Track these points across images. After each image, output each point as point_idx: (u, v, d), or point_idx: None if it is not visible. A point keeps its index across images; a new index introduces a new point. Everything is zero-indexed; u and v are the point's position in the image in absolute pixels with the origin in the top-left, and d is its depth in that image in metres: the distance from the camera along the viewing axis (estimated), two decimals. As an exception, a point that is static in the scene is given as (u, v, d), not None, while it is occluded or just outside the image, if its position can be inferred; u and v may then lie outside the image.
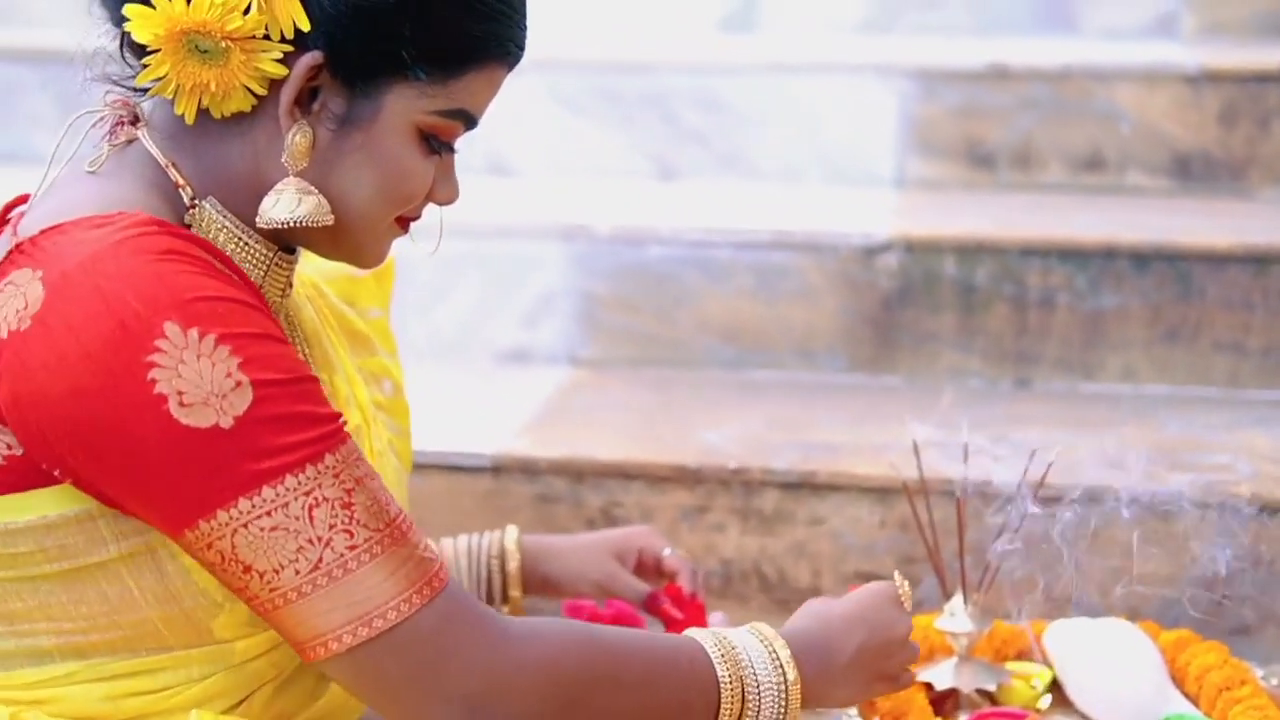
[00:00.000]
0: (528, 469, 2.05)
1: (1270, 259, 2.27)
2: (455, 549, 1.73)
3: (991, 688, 1.75)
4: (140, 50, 1.28)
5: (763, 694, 1.36)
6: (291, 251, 1.38)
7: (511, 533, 1.73)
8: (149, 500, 1.22)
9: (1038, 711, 1.73)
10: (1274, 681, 1.77)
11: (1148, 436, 2.13)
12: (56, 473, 1.23)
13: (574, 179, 2.69)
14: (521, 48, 1.34)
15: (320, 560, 1.21)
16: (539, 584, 1.73)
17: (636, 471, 2.03)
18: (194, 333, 1.18)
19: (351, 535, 1.22)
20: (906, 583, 1.50)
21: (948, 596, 1.79)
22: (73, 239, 1.22)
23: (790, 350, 2.38)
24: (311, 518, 1.21)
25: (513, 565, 1.71)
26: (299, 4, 1.25)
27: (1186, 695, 1.75)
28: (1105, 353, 2.32)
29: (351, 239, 1.35)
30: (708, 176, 2.72)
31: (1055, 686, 1.79)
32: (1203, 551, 1.89)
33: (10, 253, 1.24)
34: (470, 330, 2.42)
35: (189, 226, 1.31)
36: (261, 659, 1.33)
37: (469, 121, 1.34)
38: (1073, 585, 1.92)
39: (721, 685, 1.34)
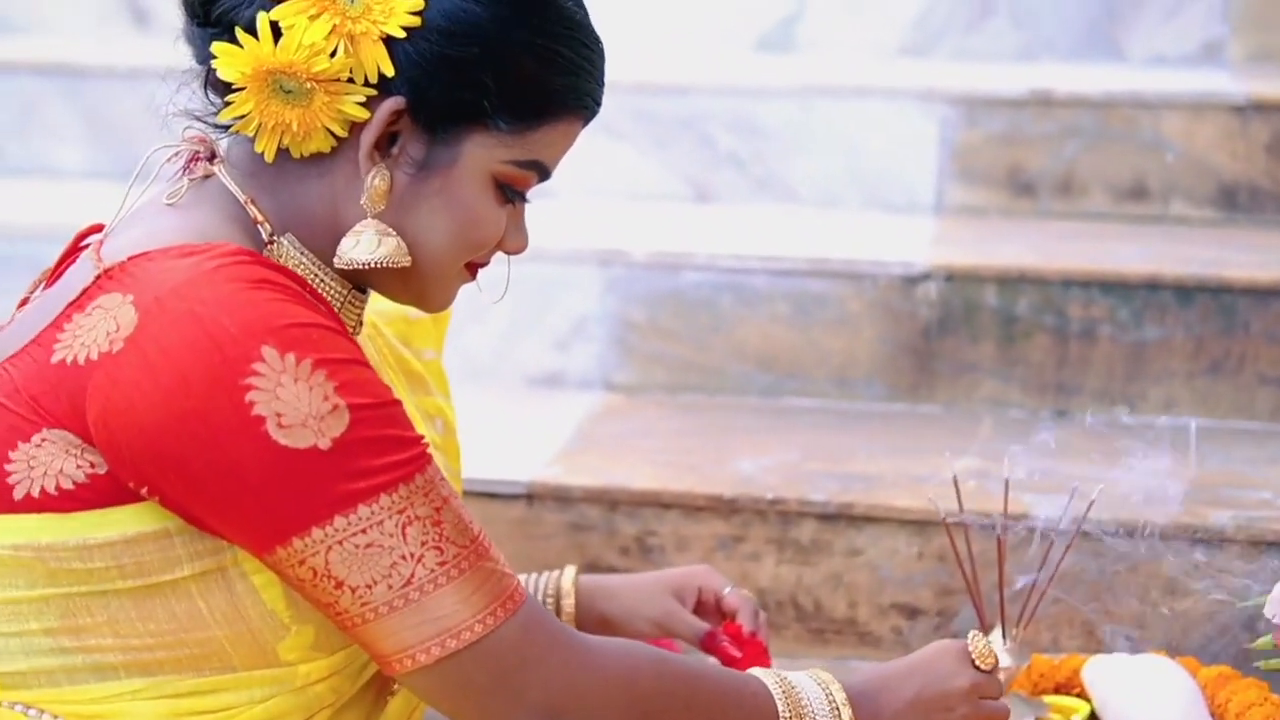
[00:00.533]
0: (561, 497, 2.04)
1: (1316, 293, 2.25)
2: None
3: (1030, 719, 1.73)
4: (223, 87, 1.31)
5: None
6: (363, 291, 1.40)
7: (569, 573, 1.72)
8: (241, 518, 1.25)
9: (1076, 748, 1.71)
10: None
11: (1188, 470, 2.10)
12: (144, 491, 1.26)
13: (609, 201, 2.68)
14: (598, 102, 1.37)
15: (413, 576, 1.25)
16: (596, 623, 1.71)
17: (672, 501, 2.02)
18: (291, 357, 1.22)
19: (441, 552, 1.26)
20: (984, 639, 1.49)
21: (987, 631, 1.77)
22: (163, 265, 1.25)
23: (826, 379, 2.36)
24: (405, 535, 1.25)
25: (568, 604, 1.70)
26: (384, 50, 1.28)
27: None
28: (1147, 385, 2.30)
29: (422, 282, 1.37)
30: (743, 200, 2.71)
31: (1093, 718, 1.77)
32: (1244, 588, 1.87)
33: (97, 278, 1.27)
34: (502, 354, 2.41)
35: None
36: (323, 684, 1.35)
37: (543, 173, 1.37)
38: (1113, 620, 1.91)
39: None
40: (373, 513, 1.24)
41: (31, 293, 1.42)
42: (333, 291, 1.37)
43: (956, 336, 2.33)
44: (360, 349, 1.28)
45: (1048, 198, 2.64)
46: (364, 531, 1.24)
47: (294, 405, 1.22)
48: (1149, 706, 1.74)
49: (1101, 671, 1.81)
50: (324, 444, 1.22)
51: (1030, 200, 2.64)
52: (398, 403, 1.28)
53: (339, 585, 1.25)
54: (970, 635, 1.50)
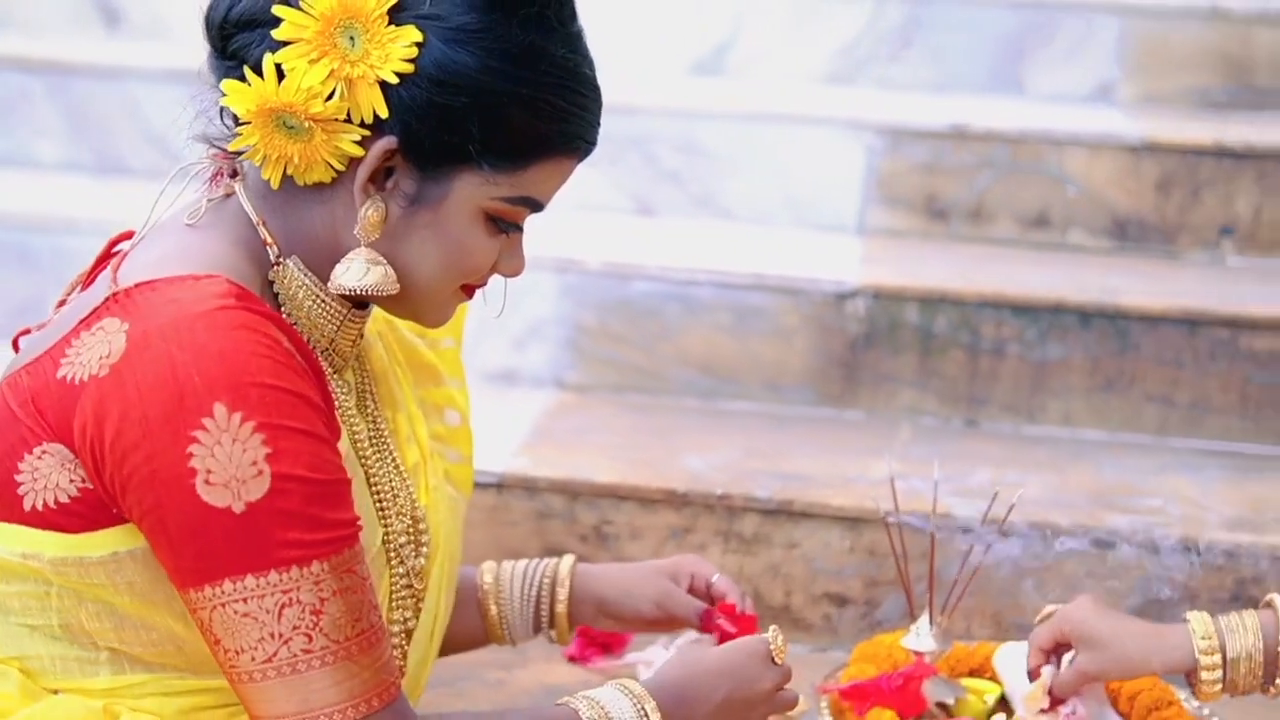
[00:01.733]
0: (528, 486, 2.23)
1: (1199, 321, 2.49)
2: (512, 572, 1.82)
3: (950, 701, 1.95)
4: (236, 119, 1.39)
5: None
6: (364, 307, 1.49)
7: (566, 561, 1.82)
8: (161, 554, 1.33)
9: (986, 721, 1.94)
10: (1194, 704, 1.98)
11: (1086, 478, 2.34)
12: (115, 510, 1.34)
13: (563, 212, 2.86)
14: (592, 142, 1.44)
15: (275, 654, 1.31)
16: (594, 608, 1.80)
17: (628, 493, 2.22)
18: (237, 417, 1.28)
19: (310, 639, 1.31)
20: (781, 637, 1.60)
21: (914, 618, 2.00)
22: (163, 298, 1.32)
23: (761, 384, 2.57)
24: (280, 615, 1.30)
25: (562, 592, 1.79)
26: (379, 93, 1.35)
27: (1120, 714, 1.96)
28: (1048, 399, 2.53)
29: (415, 305, 1.45)
30: (682, 215, 2.90)
31: (1004, 702, 1.99)
32: (1137, 585, 2.11)
33: (107, 299, 1.35)
34: (466, 352, 2.58)
35: (273, 282, 1.43)
36: None
37: (535, 206, 1.44)
38: (1021, 612, 2.15)
39: None
40: (258, 585, 1.29)
41: (69, 294, 1.50)
42: (333, 311, 1.45)
43: (880, 350, 2.55)
44: (322, 417, 1.33)
45: (960, 223, 2.87)
46: (244, 600, 1.29)
47: (224, 464, 1.27)
48: (1038, 683, 1.96)
49: (1011, 657, 2.03)
50: (238, 507, 1.27)
51: (944, 225, 2.87)
52: (340, 482, 1.33)
53: (216, 642, 1.32)
54: (770, 630, 1.58)
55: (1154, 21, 3.16)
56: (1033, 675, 1.85)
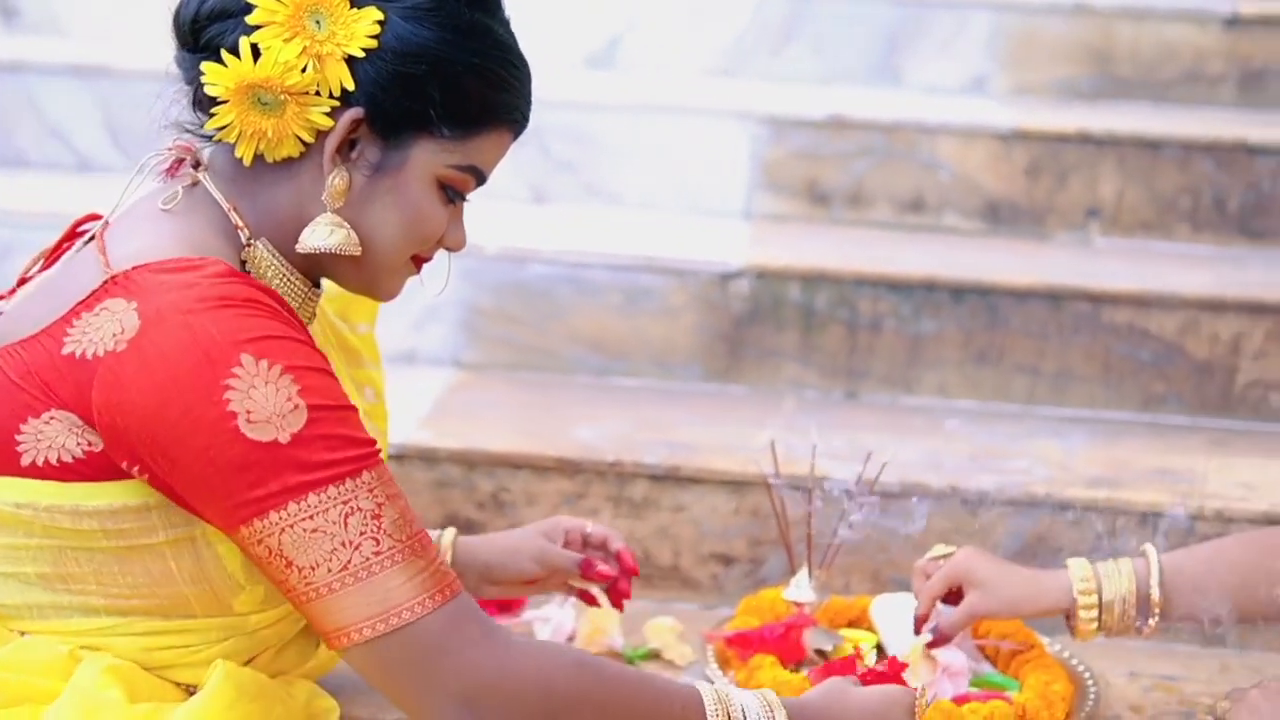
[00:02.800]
0: (427, 457, 2.33)
1: (1063, 296, 2.64)
2: None
3: (828, 648, 2.07)
4: (208, 103, 1.53)
5: None
6: (318, 285, 1.63)
7: (448, 533, 1.93)
8: (212, 499, 1.45)
9: (861, 665, 2.05)
10: (1056, 648, 2.12)
11: (959, 444, 2.48)
12: (135, 470, 1.47)
13: (459, 200, 2.97)
14: (526, 118, 1.61)
15: (349, 562, 1.44)
16: (478, 575, 1.91)
17: (523, 462, 2.32)
18: (264, 363, 1.43)
19: (378, 542, 1.44)
20: (928, 696, 1.69)
21: (794, 572, 2.12)
22: (163, 278, 1.46)
23: (651, 361, 2.69)
24: (346, 524, 1.43)
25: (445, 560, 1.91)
26: (346, 68, 1.51)
27: (987, 658, 2.09)
28: (923, 371, 2.66)
29: (374, 271, 1.59)
30: (575, 202, 3.00)
31: (879, 649, 2.12)
32: (1004, 540, 2.24)
33: (105, 283, 1.48)
34: (367, 333, 2.68)
35: (245, 263, 1.56)
36: (269, 629, 1.60)
37: (479, 178, 1.60)
38: (896, 568, 2.27)
39: None
40: (320, 501, 1.42)
41: (29, 271, 1.63)
42: (296, 288, 1.59)
43: (763, 327, 2.67)
44: (325, 357, 1.50)
45: (840, 208, 3.00)
46: (311, 518, 1.43)
47: (262, 404, 1.42)
48: (925, 637, 2.09)
49: (885, 608, 2.16)
50: (284, 438, 1.42)
51: (825, 210, 2.99)
52: (353, 408, 1.48)
53: (289, 565, 1.44)
54: (920, 690, 1.64)
55: (1024, 16, 3.30)
56: (921, 620, 1.97)
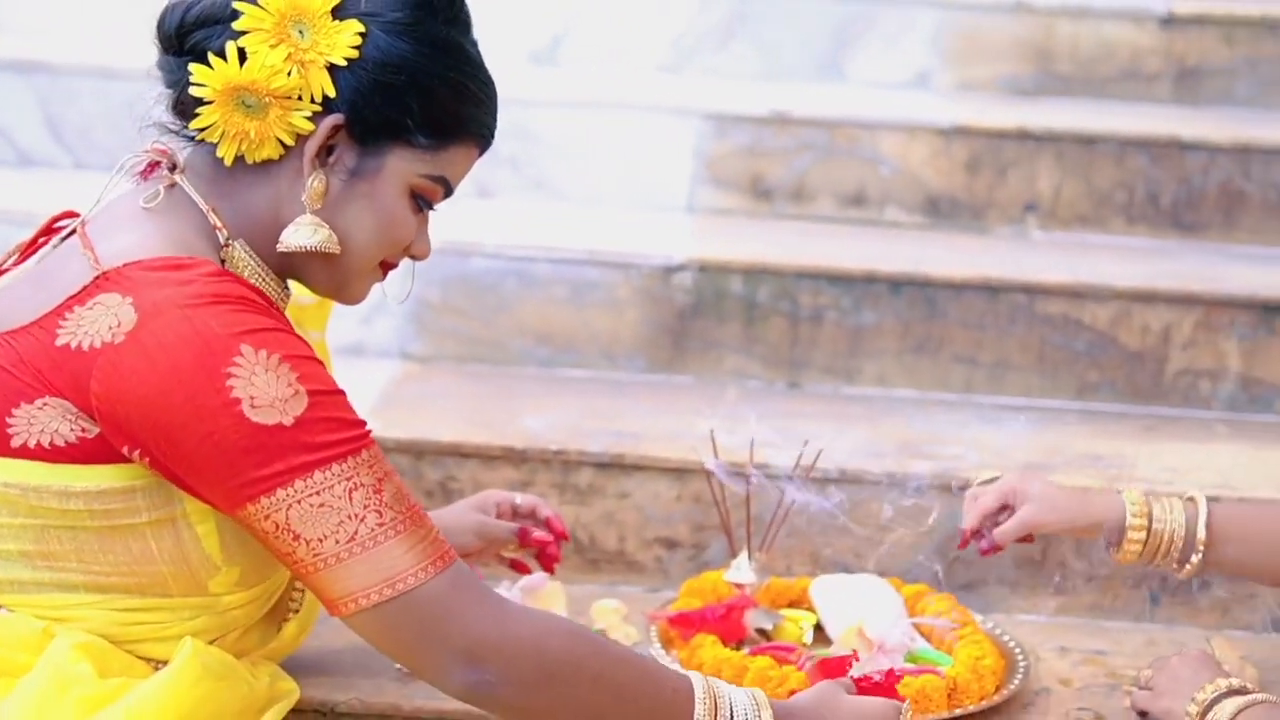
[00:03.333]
0: (376, 447, 2.36)
1: (1000, 288, 2.69)
2: None
3: (769, 627, 2.13)
4: (191, 103, 1.59)
5: None
6: (287, 288, 1.69)
7: None
8: (218, 480, 1.52)
9: (804, 645, 2.11)
10: (989, 625, 2.17)
11: (898, 432, 2.53)
12: (135, 454, 1.53)
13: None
14: (492, 133, 1.68)
15: (356, 533, 1.52)
16: None
17: (471, 451, 2.36)
18: (263, 353, 1.50)
19: (380, 515, 1.53)
20: (911, 712, 1.74)
21: (735, 555, 2.17)
22: (158, 276, 1.53)
23: (596, 353, 2.73)
24: (351, 498, 1.52)
25: None
26: (328, 75, 1.58)
27: (922, 634, 2.14)
28: (864, 361, 2.72)
29: (345, 273, 1.66)
30: (519, 197, 3.04)
31: (819, 628, 2.17)
32: (938, 523, 2.29)
33: (97, 279, 1.54)
34: (316, 326, 2.72)
35: (224, 262, 1.61)
36: (239, 610, 1.67)
37: (448, 189, 1.67)
38: (835, 550, 2.33)
39: (693, 714, 1.59)
40: (325, 478, 1.51)
41: (4, 264, 1.69)
42: (271, 289, 1.65)
43: (707, 319, 2.72)
44: (311, 347, 1.56)
45: (783, 202, 3.05)
46: (317, 494, 1.51)
47: (264, 390, 1.49)
48: (862, 614, 2.14)
49: (825, 589, 2.21)
50: (288, 421, 1.50)
51: (769, 204, 3.05)
52: (343, 392, 1.57)
53: (296, 538, 1.52)
54: (906, 704, 1.72)
55: (967, 13, 3.36)
56: (972, 534, 2.05)
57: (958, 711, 1.96)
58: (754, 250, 2.77)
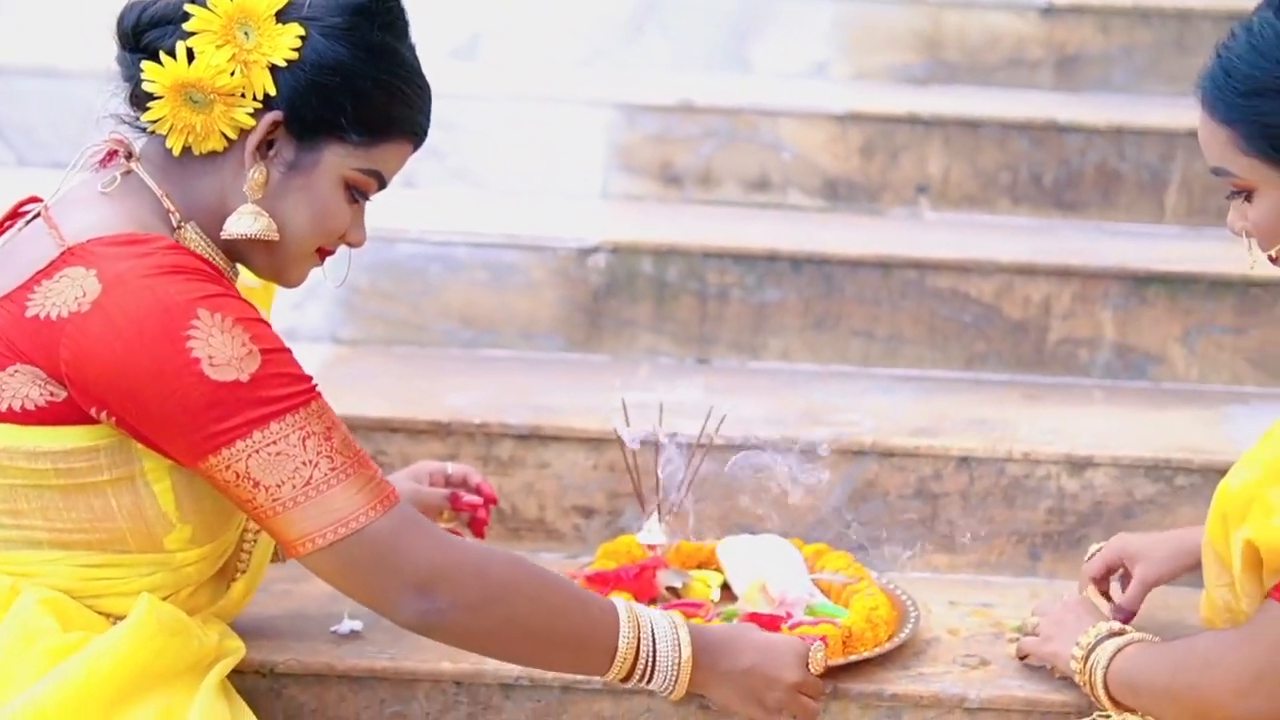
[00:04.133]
0: (310, 424, 2.51)
1: (893, 265, 2.88)
2: None
3: (679, 586, 2.30)
4: (144, 98, 1.73)
5: (656, 662, 1.82)
6: (235, 267, 1.84)
7: None
8: (180, 435, 1.67)
9: (711, 602, 2.28)
10: (883, 580, 2.35)
11: (799, 402, 2.71)
12: (103, 415, 1.68)
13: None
14: (425, 132, 1.83)
15: (311, 478, 1.68)
16: None
17: (399, 426, 2.51)
18: (219, 315, 1.65)
19: (332, 460, 1.69)
20: (822, 654, 1.94)
21: (646, 518, 2.35)
22: (118, 250, 1.68)
23: (516, 333, 2.89)
24: (305, 446, 1.68)
25: None
26: (269, 75, 1.73)
27: (821, 590, 2.32)
28: (768, 337, 2.89)
29: (284, 259, 1.81)
30: (442, 186, 3.20)
31: (725, 587, 2.34)
32: (837, 485, 2.48)
33: (63, 254, 1.69)
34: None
35: (178, 242, 1.75)
36: (192, 566, 1.82)
37: (381, 182, 1.83)
38: (740, 514, 2.50)
39: (621, 640, 1.80)
40: (281, 428, 1.66)
41: None
42: (222, 265, 1.79)
43: (620, 298, 2.89)
44: (259, 311, 1.71)
45: (691, 188, 3.22)
46: (274, 443, 1.66)
47: (221, 350, 1.64)
48: (765, 572, 2.31)
49: (730, 549, 2.38)
50: (244, 377, 1.65)
51: (678, 189, 3.22)
52: (290, 350, 1.72)
53: (256, 485, 1.67)
54: (815, 645, 1.93)
55: (862, 5, 3.55)
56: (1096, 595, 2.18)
57: (853, 658, 2.14)
58: (664, 233, 2.94)
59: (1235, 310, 2.83)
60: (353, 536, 1.70)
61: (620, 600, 1.84)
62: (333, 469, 1.69)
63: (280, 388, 1.68)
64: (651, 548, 2.32)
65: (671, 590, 2.29)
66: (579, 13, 3.56)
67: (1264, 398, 2.76)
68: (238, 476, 1.68)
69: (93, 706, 1.69)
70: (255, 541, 1.95)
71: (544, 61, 3.56)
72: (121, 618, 1.77)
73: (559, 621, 1.78)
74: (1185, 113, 3.11)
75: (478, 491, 2.24)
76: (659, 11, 3.53)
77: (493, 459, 2.52)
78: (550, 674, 2.07)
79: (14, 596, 1.74)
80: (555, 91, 3.28)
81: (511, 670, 2.08)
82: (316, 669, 2.10)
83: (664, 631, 1.83)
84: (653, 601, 2.26)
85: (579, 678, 2.05)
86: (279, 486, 1.67)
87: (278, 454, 1.67)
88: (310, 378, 1.72)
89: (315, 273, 2.82)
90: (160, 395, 1.65)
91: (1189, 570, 2.14)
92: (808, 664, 1.92)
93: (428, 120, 1.83)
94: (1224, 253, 2.81)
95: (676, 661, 1.83)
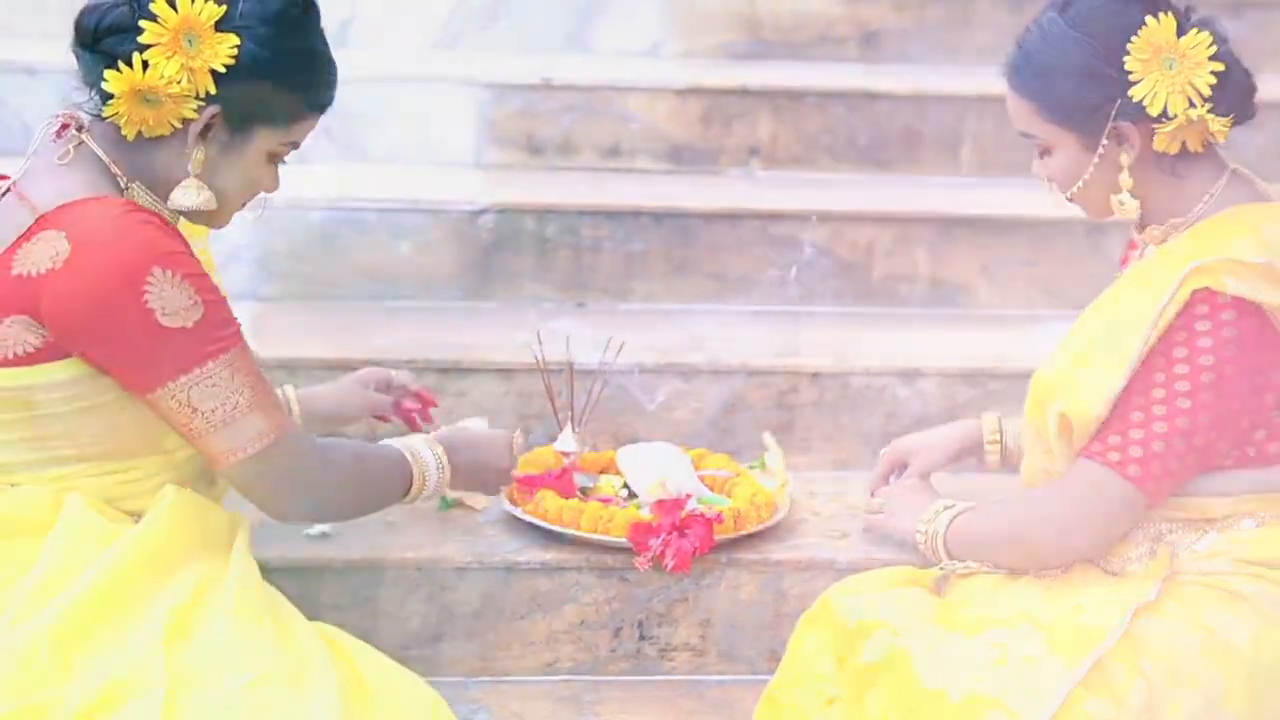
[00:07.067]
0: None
1: (740, 216, 3.35)
2: None
3: (590, 485, 2.73)
4: (103, 96, 2.06)
5: (428, 479, 2.32)
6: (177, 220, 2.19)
7: (290, 389, 2.61)
8: (138, 370, 2.03)
9: (619, 498, 2.72)
10: (755, 474, 2.82)
11: (669, 336, 3.16)
12: (78, 354, 2.02)
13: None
14: (331, 102, 2.21)
15: (236, 405, 2.07)
16: (321, 419, 2.60)
17: (337, 364, 2.86)
18: (169, 272, 2.00)
19: (252, 390, 2.08)
20: (523, 438, 2.50)
21: (561, 430, 2.78)
22: (83, 211, 2.01)
23: (418, 286, 3.29)
24: (233, 379, 2.06)
25: (296, 409, 2.58)
26: (210, 77, 2.07)
27: (706, 484, 2.78)
28: (636, 282, 3.33)
29: (219, 215, 2.18)
30: (335, 161, 3.55)
31: (626, 488, 2.78)
32: (710, 401, 2.93)
33: (38, 220, 2.02)
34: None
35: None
36: (189, 464, 2.17)
37: (296, 146, 2.21)
38: (635, 426, 2.94)
39: (412, 473, 2.30)
40: (216, 366, 2.04)
41: None
42: (167, 216, 2.12)
43: (507, 253, 3.30)
44: (200, 263, 2.06)
45: (553, 156, 3.63)
46: (210, 377, 2.04)
47: (171, 302, 1.99)
48: (659, 472, 2.75)
49: (629, 455, 2.81)
50: (189, 325, 2.01)
51: (541, 158, 3.63)
52: (225, 298, 2.09)
53: (194, 411, 2.05)
54: (516, 432, 2.48)
55: (685, -10, 4.01)
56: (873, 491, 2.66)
57: (744, 531, 2.61)
58: (541, 195, 3.36)
59: (1028, 246, 3.37)
60: (264, 450, 2.09)
61: (398, 443, 2.33)
62: (253, 397, 2.08)
63: (217, 331, 2.04)
64: (566, 454, 2.75)
65: (584, 490, 2.73)
66: (436, 1, 3.94)
67: (1054, 319, 3.22)
68: (179, 404, 2.05)
69: (145, 576, 2.04)
70: None
71: (409, 46, 3.93)
72: (142, 515, 2.11)
73: (378, 474, 2.29)
74: (973, 80, 3.68)
75: (418, 397, 2.71)
76: (511, -1, 3.95)
77: (418, 390, 2.92)
78: (496, 558, 2.54)
79: (58, 503, 2.08)
80: (429, 72, 3.66)
81: (464, 556, 2.52)
82: (300, 563, 2.49)
83: (429, 458, 2.32)
84: (570, 497, 2.69)
85: (521, 559, 2.53)
86: (212, 411, 2.06)
87: (213, 385, 2.05)
88: (238, 321, 2.08)
89: (236, 237, 3.24)
90: (121, 338, 2.00)
91: (958, 458, 2.64)
92: (513, 449, 2.46)
93: (335, 92, 2.20)
94: (1015, 199, 3.35)
95: (443, 479, 2.34)
